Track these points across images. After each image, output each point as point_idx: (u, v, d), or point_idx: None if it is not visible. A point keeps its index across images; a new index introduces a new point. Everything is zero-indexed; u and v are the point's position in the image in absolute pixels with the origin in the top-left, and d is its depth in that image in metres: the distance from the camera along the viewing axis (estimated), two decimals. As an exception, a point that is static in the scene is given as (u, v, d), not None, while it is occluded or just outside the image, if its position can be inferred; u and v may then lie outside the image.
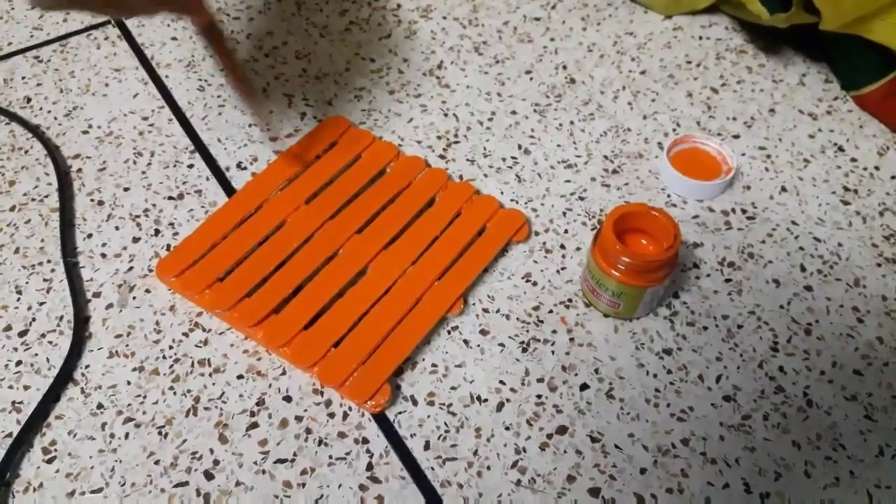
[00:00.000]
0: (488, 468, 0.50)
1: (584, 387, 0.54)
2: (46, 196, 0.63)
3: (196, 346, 0.55)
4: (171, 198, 0.63)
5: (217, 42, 0.55)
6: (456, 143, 0.68)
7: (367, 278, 0.57)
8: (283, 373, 0.54)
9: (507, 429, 0.52)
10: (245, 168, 0.66)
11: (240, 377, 0.53)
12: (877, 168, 0.68)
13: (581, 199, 0.64)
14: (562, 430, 0.52)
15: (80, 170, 0.65)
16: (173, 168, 0.66)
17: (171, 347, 0.55)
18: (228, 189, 0.64)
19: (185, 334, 0.55)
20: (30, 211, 0.62)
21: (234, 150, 0.67)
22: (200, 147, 0.67)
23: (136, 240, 0.61)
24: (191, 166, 0.66)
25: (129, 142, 0.67)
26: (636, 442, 0.51)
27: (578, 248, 0.61)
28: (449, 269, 0.58)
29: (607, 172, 0.66)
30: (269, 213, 0.61)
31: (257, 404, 0.52)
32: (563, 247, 0.61)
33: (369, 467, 0.50)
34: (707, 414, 0.52)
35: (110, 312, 0.56)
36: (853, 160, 0.68)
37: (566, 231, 0.62)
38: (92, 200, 0.63)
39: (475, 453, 0.50)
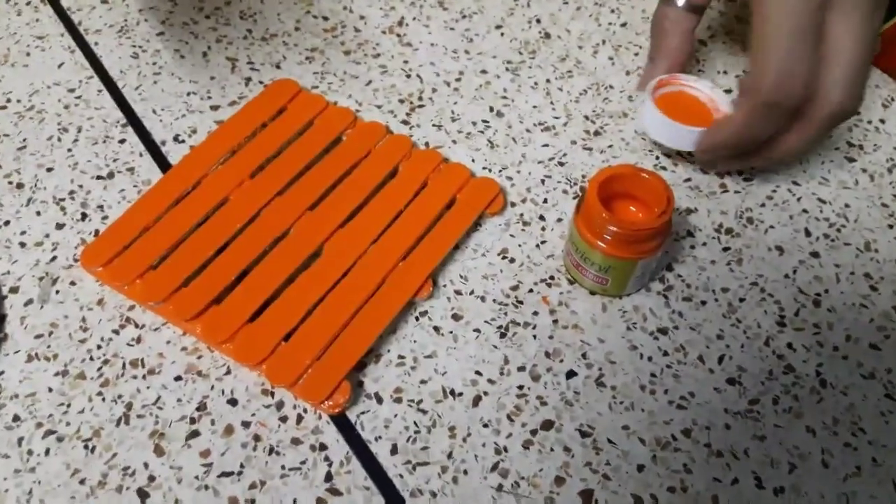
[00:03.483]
0: (465, 472, 0.44)
1: (570, 374, 0.47)
2: (-44, 180, 0.56)
3: (128, 344, 0.48)
4: (100, 177, 0.56)
5: None
6: (420, 106, 0.61)
7: (321, 261, 0.51)
8: (228, 372, 0.47)
9: (485, 426, 0.45)
10: (183, 141, 0.58)
11: (178, 378, 0.47)
12: (882, 121, 0.62)
13: (561, 164, 0.58)
14: (547, 424, 0.45)
15: (-4, 149, 0.58)
16: (102, 144, 0.58)
17: (99, 347, 0.48)
18: (164, 165, 0.57)
19: (116, 331, 0.49)
20: (-63, 197, 0.55)
21: (170, 122, 0.60)
22: (133, 120, 0.60)
23: (59, 226, 0.53)
24: (122, 141, 0.58)
25: (52, 116, 0.60)
26: (632, 435, 0.45)
27: (560, 220, 0.55)
28: (415, 248, 0.51)
29: (589, 134, 0.60)
30: (208, 190, 0.54)
31: (198, 409, 0.46)
32: (542, 218, 0.55)
33: (328, 477, 0.43)
34: (710, 400, 0.46)
35: (29, 310, 0.49)
36: (856, 113, 0.62)
37: (545, 200, 0.56)
38: (10, 183, 0.56)
39: (449, 456, 0.44)
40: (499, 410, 0.46)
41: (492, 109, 0.61)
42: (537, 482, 0.43)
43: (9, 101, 0.61)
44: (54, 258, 0.52)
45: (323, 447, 0.44)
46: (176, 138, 0.59)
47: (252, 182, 0.54)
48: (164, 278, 0.49)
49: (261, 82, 0.62)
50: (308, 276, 0.50)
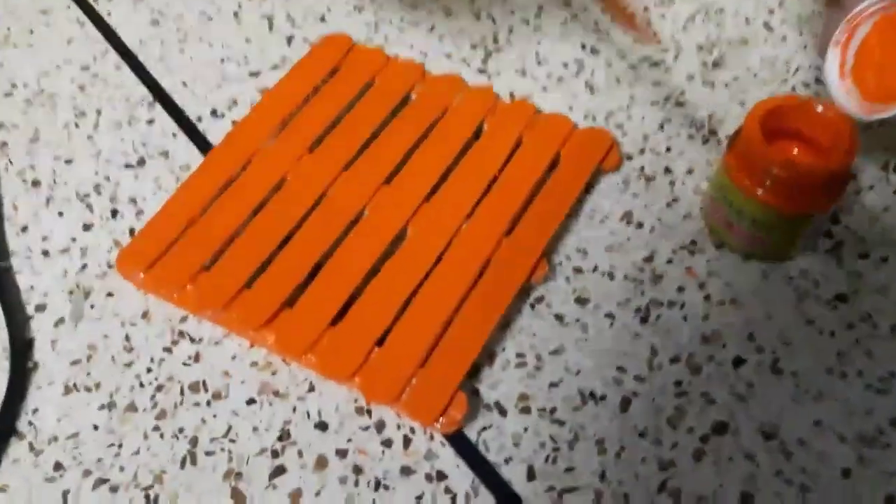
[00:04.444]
0: (625, 497, 0.34)
1: (738, 362, 0.38)
2: (-39, 182, 0.47)
3: (184, 364, 0.39)
4: (128, 166, 0.47)
5: None
6: (497, 51, 0.51)
7: (407, 244, 0.41)
8: (311, 389, 0.38)
9: (640, 435, 0.36)
10: (222, 115, 0.49)
11: (250, 402, 0.38)
12: None
13: (679, 104, 0.48)
14: (719, 427, 0.36)
15: (4, 143, 0.49)
16: (128, 127, 0.49)
17: (149, 371, 0.39)
18: (203, 145, 0.48)
19: (168, 349, 0.40)
20: (-60, 204, 0.46)
21: (205, 95, 0.50)
22: (161, 96, 0.50)
23: (87, 227, 0.44)
24: (150, 122, 0.49)
25: (66, 100, 0.51)
26: (826, 432, 0.36)
27: (691, 171, 0.45)
28: (520, 220, 0.42)
29: (706, 67, 0.49)
30: (261, 170, 0.44)
31: (280, 439, 0.37)
32: (668, 171, 0.45)
33: (454, 515, 0.34)
34: (918, 380, 0.37)
35: (61, 330, 0.40)
36: None
37: (668, 149, 0.46)
38: (24, 181, 0.47)
39: (602, 477, 0.35)
40: (656, 415, 0.36)
41: (584, 47, 0.51)
42: (719, 502, 0.34)
43: (14, 86, 0.52)
44: (84, 266, 0.43)
45: (442, 476, 0.35)
46: (214, 113, 0.49)
47: (311, 157, 0.45)
48: (222, 280, 0.40)
49: (305, 40, 0.53)
50: (395, 265, 0.40)
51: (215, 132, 0.48)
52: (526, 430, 0.36)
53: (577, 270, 0.41)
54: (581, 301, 0.40)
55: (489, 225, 0.42)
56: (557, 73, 0.50)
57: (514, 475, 0.35)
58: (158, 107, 0.50)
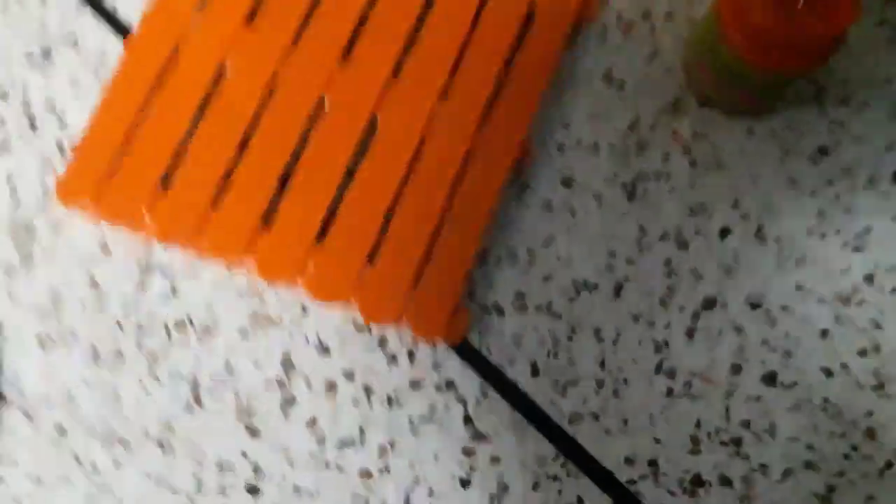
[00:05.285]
0: (625, 382, 0.36)
1: (724, 232, 0.38)
2: None
3: (161, 300, 0.37)
4: (32, 61, 0.40)
5: None
6: None
7: (379, 137, 0.38)
8: (304, 311, 0.37)
9: (635, 320, 0.37)
10: (128, -18, 0.41)
11: (243, 334, 0.37)
12: None
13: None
14: (709, 303, 0.37)
15: None
16: (18, 8, 0.41)
17: (125, 314, 0.37)
18: (113, 21, 0.40)
19: (140, 286, 0.37)
20: None
21: (99, -48, 0.42)
22: (43, -45, 0.42)
23: (4, 147, 0.39)
24: (44, 2, 0.41)
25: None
26: (808, 295, 0.38)
27: (670, 14, 0.41)
28: (498, 96, 0.38)
29: None
30: (194, 56, 0.39)
31: (283, 366, 0.36)
32: (646, 15, 0.41)
33: (467, 420, 0.36)
34: (889, 234, 0.38)
35: (15, 279, 0.37)
36: None
37: (645, -12, 0.41)
38: None
39: (602, 365, 0.37)
40: (648, 297, 0.37)
41: None
42: (712, 375, 0.36)
43: None
44: (17, 199, 0.38)
45: (450, 385, 0.36)
46: (116, -23, 0.41)
47: (250, 30, 0.39)
48: (184, 201, 0.36)
49: None
50: (371, 165, 0.37)
51: (126, 6, 0.41)
52: (525, 328, 0.37)
53: (560, 147, 0.39)
54: (567, 182, 0.39)
55: (466, 105, 0.38)
56: None
57: (519, 375, 0.36)
58: (46, -27, 0.41)
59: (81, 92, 0.39)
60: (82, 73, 0.40)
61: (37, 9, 0.41)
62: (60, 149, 0.39)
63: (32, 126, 0.39)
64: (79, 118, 0.39)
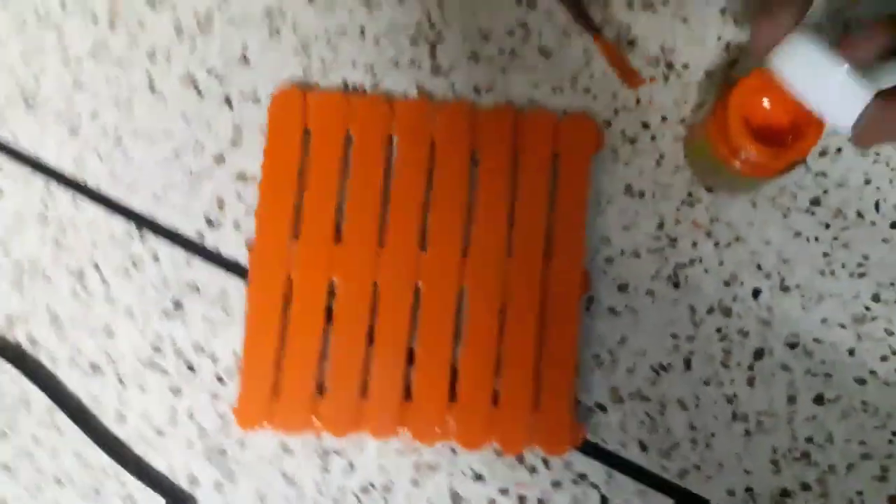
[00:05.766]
0: (712, 434, 0.47)
1: (756, 293, 0.48)
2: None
3: (343, 474, 0.47)
4: (168, 313, 0.48)
5: None
6: (441, 41, 0.50)
7: (470, 303, 0.47)
8: (453, 452, 0.47)
9: (706, 384, 0.47)
10: (220, 224, 0.49)
11: (415, 483, 0.46)
12: None
13: (630, 43, 0.50)
14: (758, 353, 0.47)
15: (33, 341, 0.48)
16: (135, 271, 0.48)
17: (321, 493, 0.46)
18: (221, 261, 0.48)
19: (325, 469, 0.47)
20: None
21: (184, 203, 0.49)
22: (140, 220, 0.49)
23: (176, 391, 0.47)
24: (156, 258, 0.49)
25: (52, 265, 0.49)
26: (831, 325, 0.47)
27: (665, 118, 0.49)
28: (551, 240, 0.47)
29: (642, -9, 0.50)
30: (305, 282, 0.47)
31: (452, 499, 0.46)
32: (645, 125, 0.49)
33: (604, 500, 0.46)
34: (883, 257, 0.48)
35: (227, 494, 0.47)
36: None
37: (637, 101, 0.49)
38: (80, 369, 0.48)
39: (691, 427, 0.47)
40: (711, 363, 0.47)
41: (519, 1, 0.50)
42: (775, 410, 0.47)
43: (-23, 261, 0.49)
44: (202, 429, 0.47)
45: (583, 477, 0.46)
46: (209, 222, 0.49)
47: (341, 247, 0.47)
48: (339, 400, 0.45)
49: (243, 94, 0.50)
50: (471, 329, 0.46)
51: (226, 244, 0.49)
52: (624, 415, 0.47)
53: (608, 260, 0.48)
54: (622, 288, 0.48)
55: (530, 256, 0.47)
56: (509, 46, 0.50)
57: (631, 453, 0.46)
58: (150, 235, 0.49)
59: (218, 328, 0.48)
60: (213, 312, 0.48)
61: (151, 267, 0.48)
62: (220, 380, 0.47)
63: (191, 368, 0.48)
64: (225, 350, 0.47)
